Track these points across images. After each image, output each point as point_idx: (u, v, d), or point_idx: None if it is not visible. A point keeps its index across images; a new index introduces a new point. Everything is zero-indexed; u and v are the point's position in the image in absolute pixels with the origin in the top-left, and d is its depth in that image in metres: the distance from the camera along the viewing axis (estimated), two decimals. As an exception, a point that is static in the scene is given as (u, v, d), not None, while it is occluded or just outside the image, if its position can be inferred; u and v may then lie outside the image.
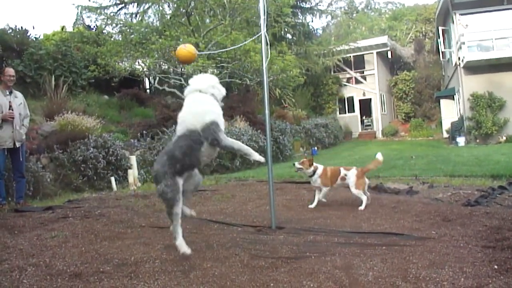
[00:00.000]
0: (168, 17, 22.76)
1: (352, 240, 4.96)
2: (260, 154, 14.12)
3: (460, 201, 7.01)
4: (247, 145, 15.14)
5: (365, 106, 36.60)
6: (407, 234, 5.07)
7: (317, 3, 33.56)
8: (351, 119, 36.10)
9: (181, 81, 19.55)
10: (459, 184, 8.77)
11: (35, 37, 19.23)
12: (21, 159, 8.30)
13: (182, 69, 19.11)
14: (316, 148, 24.49)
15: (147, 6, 24.79)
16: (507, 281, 3.48)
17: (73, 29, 24.71)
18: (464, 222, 5.46)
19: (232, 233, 5.46)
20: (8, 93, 8.16)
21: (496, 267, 3.82)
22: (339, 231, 5.41)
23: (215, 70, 19.73)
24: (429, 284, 3.51)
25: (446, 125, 29.47)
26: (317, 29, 40.16)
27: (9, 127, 7.99)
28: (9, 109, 7.99)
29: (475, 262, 3.98)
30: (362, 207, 6.70)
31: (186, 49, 5.45)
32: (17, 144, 8.12)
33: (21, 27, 18.60)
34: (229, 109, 19.92)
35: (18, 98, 8.37)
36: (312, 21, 54.83)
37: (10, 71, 8.31)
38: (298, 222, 6.00)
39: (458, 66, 24.80)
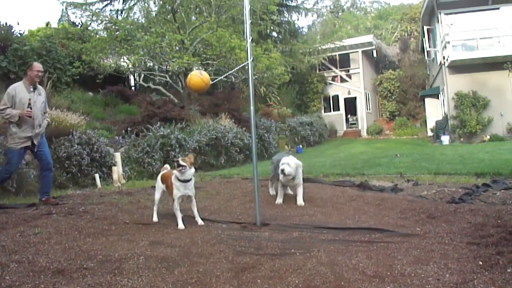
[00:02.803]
0: (154, 14, 22.67)
1: (337, 236, 4.97)
2: (245, 152, 14.13)
3: (445, 199, 7.05)
4: (231, 142, 15.14)
5: (350, 104, 36.71)
6: (392, 231, 5.09)
7: (303, 1, 33.69)
8: (336, 118, 36.17)
9: (166, 78, 19.49)
10: (444, 182, 8.81)
11: (19, 33, 19.05)
12: (44, 152, 7.75)
13: (167, 67, 19.04)
14: (301, 146, 24.54)
15: (132, 2, 24.71)
16: (491, 277, 3.50)
17: (58, 25, 24.47)
18: (449, 219, 5.48)
19: (217, 230, 5.45)
20: (32, 89, 7.47)
21: (480, 263, 3.84)
22: (324, 227, 5.42)
23: (201, 68, 19.70)
24: (414, 280, 3.52)
25: (430, 123, 29.64)
26: (302, 27, 40.27)
27: (28, 128, 7.39)
28: (28, 106, 7.32)
29: (460, 258, 4.00)
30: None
31: (201, 77, 5.80)
32: (35, 142, 7.51)
33: (5, 23, 18.41)
34: (214, 106, 19.91)
35: (41, 96, 7.66)
36: (298, 19, 54.67)
37: (38, 66, 7.56)
38: (283, 219, 6.01)
39: (443, 65, 24.96)
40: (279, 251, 4.43)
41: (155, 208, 6.28)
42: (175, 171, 5.78)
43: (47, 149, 7.97)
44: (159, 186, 6.25)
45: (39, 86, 7.68)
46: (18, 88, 7.38)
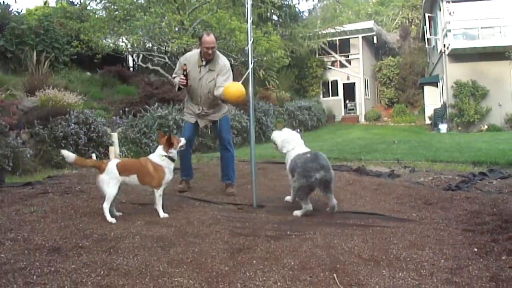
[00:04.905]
0: (153, -6, 22.52)
1: (333, 220, 4.98)
2: (242, 135, 14.07)
3: (441, 186, 7.06)
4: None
5: (349, 90, 36.66)
6: (388, 216, 5.10)
7: (304, -15, 33.50)
8: (335, 103, 36.13)
9: (165, 59, 19.38)
10: (440, 169, 8.83)
11: (17, 12, 18.97)
12: (218, 127, 6.92)
13: (166, 48, 18.95)
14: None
15: (132, -18, 24.51)
16: (486, 264, 3.51)
17: (56, 4, 24.32)
18: (445, 206, 5.50)
19: (213, 211, 5.45)
20: (204, 63, 6.57)
21: (475, 249, 3.86)
22: (320, 211, 5.42)
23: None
24: (409, 264, 3.53)
25: (429, 111, 29.65)
26: (303, 11, 40.18)
27: (195, 104, 6.75)
28: (183, 74, 6.44)
29: (455, 245, 4.02)
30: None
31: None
32: (201, 124, 6.88)
33: (3, 2, 18.31)
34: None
35: (213, 72, 6.59)
36: (299, 3, 54.66)
37: (208, 41, 6.46)
38: (279, 201, 6.01)
39: (443, 54, 24.93)
40: (275, 233, 4.44)
41: (107, 206, 5.02)
42: (159, 151, 5.35)
43: (225, 124, 7.02)
44: (116, 177, 5.12)
45: (218, 61, 6.65)
46: (192, 58, 6.68)
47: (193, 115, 6.81)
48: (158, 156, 5.33)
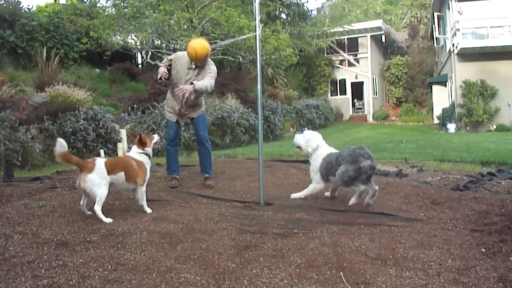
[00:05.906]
0: (163, -9, 22.55)
1: (340, 218, 4.97)
2: (250, 132, 14.03)
3: (449, 185, 7.03)
4: (237, 123, 15.07)
5: (357, 89, 36.61)
6: (396, 215, 5.09)
7: (313, -16, 33.51)
8: (343, 102, 36.10)
9: (173, 56, 19.43)
10: (449, 169, 8.79)
11: (27, 8, 19.02)
12: (197, 128, 7.16)
13: (175, 45, 18.99)
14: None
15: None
16: (494, 264, 3.50)
17: (66, 1, 24.41)
18: (453, 206, 5.48)
19: (220, 208, 5.45)
20: (194, 67, 6.64)
21: (483, 250, 3.85)
22: (327, 209, 5.42)
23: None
24: (417, 264, 3.52)
25: (437, 111, 29.55)
26: (311, 10, 39.85)
27: (177, 102, 6.85)
28: (166, 67, 6.45)
29: (462, 245, 4.01)
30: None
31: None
32: (181, 122, 7.11)
33: (14, -1, 18.41)
34: (221, 86, 19.85)
35: (199, 76, 6.65)
36: (307, 1, 54.49)
37: (198, 59, 6.54)
38: (286, 200, 6.01)
39: (452, 53, 24.81)
40: (282, 231, 4.44)
41: (99, 208, 4.78)
42: (135, 150, 5.38)
43: (201, 121, 7.18)
44: (106, 177, 4.86)
45: (208, 66, 6.72)
46: (182, 58, 6.74)
47: (174, 114, 6.98)
48: (136, 153, 5.37)
